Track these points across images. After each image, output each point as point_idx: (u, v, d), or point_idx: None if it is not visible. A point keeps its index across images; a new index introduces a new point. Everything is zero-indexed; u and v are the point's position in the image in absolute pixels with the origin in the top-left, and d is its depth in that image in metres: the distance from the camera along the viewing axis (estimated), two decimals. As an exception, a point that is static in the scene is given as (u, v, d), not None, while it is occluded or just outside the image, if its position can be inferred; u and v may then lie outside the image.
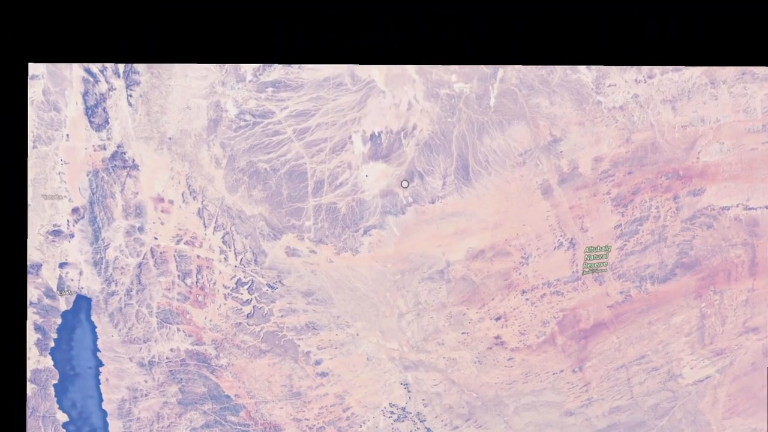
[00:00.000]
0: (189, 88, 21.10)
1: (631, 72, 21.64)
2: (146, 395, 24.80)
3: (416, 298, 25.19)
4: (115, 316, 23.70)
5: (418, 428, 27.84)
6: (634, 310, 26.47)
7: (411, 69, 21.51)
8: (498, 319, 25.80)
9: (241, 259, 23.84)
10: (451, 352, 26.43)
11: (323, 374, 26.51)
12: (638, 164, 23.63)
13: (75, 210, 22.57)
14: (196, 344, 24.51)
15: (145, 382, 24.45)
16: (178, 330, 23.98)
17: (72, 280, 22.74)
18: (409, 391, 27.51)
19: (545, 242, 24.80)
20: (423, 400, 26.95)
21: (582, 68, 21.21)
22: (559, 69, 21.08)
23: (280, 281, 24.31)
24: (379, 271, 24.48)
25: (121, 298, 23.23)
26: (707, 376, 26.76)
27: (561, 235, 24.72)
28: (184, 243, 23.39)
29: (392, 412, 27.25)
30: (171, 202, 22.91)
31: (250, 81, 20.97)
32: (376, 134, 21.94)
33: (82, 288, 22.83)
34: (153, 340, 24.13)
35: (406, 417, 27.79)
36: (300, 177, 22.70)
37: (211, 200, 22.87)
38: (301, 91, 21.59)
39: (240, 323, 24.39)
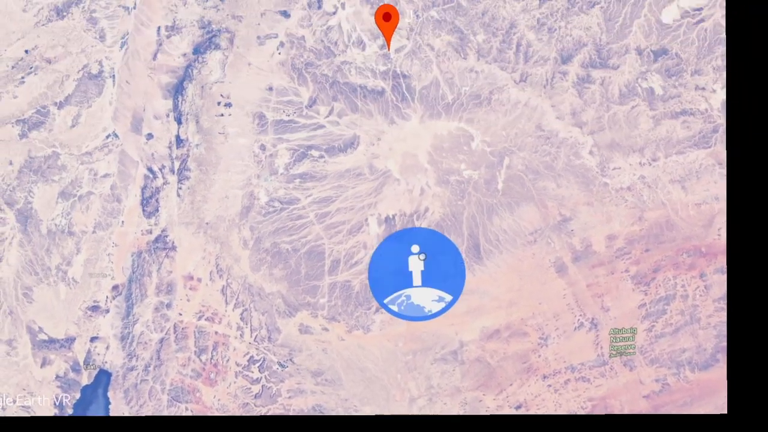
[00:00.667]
0: (229, 180, 23.48)
1: (634, 156, 22.29)
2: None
3: (428, 381, 24.35)
4: (130, 392, 24.29)
5: None
6: (675, 402, 23.92)
7: (423, 159, 23.20)
8: (518, 407, 24.14)
9: (256, 336, 24.37)
10: None
11: None
12: (655, 241, 22.97)
13: (115, 287, 24.54)
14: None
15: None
16: (186, 408, 24.09)
17: (98, 354, 23.86)
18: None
19: (564, 322, 23.79)
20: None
21: (585, 153, 22.16)
22: (563, 155, 22.12)
23: (291, 359, 24.38)
24: (390, 351, 24.15)
25: (138, 374, 23.95)
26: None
27: (581, 315, 23.69)
28: (205, 319, 24.43)
29: None
30: (199, 280, 24.41)
31: (281, 173, 23.18)
32: (390, 217, 22.98)
33: (106, 362, 23.83)
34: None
35: None
36: (318, 257, 23.71)
37: (236, 278, 24.17)
38: (325, 180, 23.55)
39: (247, 403, 24.24)
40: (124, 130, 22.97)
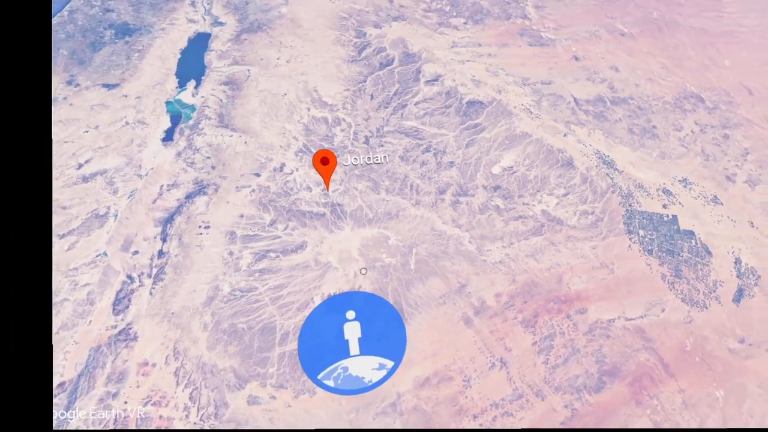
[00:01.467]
0: (198, 278, 28.41)
1: (497, 242, 32.55)
2: None
3: None
4: None
5: None
6: (586, 424, 26.44)
7: (354, 253, 31.04)
8: None
9: (203, 414, 24.36)
10: None
11: None
12: (528, 295, 30.58)
13: (60, 384, 24.30)
14: None
15: None
16: None
17: None
18: None
19: (480, 364, 27.80)
20: None
21: (466, 242, 31.93)
22: (452, 244, 31.62)
23: None
24: (334, 411, 25.35)
25: None
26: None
27: (491, 356, 28.21)
28: (152, 404, 24.42)
29: None
30: (154, 365, 25.51)
31: (243, 270, 29.04)
32: (331, 294, 28.81)
33: None
34: None
35: None
36: (270, 332, 27.27)
37: (191, 359, 25.88)
38: (279, 272, 29.68)
39: None
40: (114, 250, 30.18)
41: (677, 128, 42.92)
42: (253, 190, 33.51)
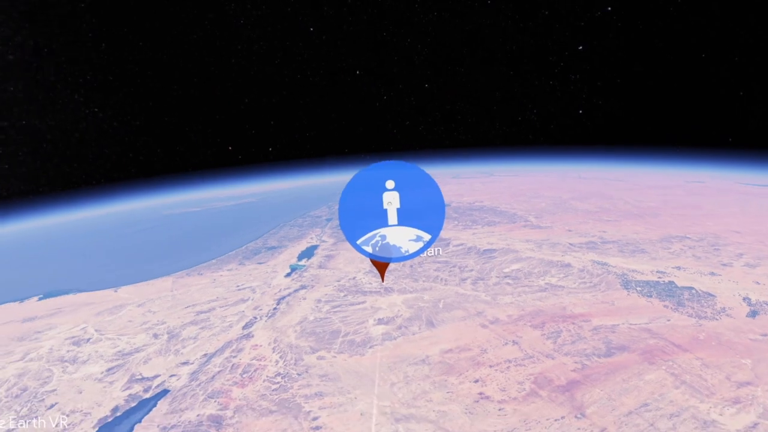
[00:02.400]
0: (295, 316, 40.79)
1: (511, 296, 41.79)
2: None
3: (405, 373, 30.49)
4: (178, 397, 29.65)
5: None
6: (598, 373, 28.27)
7: (399, 302, 41.84)
8: (476, 381, 28.97)
9: (286, 363, 32.11)
10: (440, 406, 27.16)
11: (316, 428, 29.71)
12: (536, 316, 37.04)
13: (204, 354, 34.99)
14: (221, 410, 27.87)
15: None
16: (215, 401, 28.72)
17: (169, 382, 31.06)
18: (401, 444, 24.70)
19: (494, 343, 32.88)
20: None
21: (482, 297, 42.08)
22: (471, 298, 41.91)
23: (306, 371, 31.62)
24: (377, 363, 31.54)
25: (190, 385, 30.52)
26: (755, 423, 27.30)
27: (504, 340, 33.16)
28: (256, 359, 33.14)
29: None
30: (261, 345, 35.26)
31: (324, 311, 41.31)
32: (382, 318, 38.41)
33: (172, 385, 31.03)
34: (189, 409, 28.13)
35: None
36: (336, 334, 36.50)
37: (284, 343, 36.47)
38: (346, 312, 40.93)
39: (264, 394, 29.05)
40: (248, 310, 48.01)
41: (666, 248, 53.37)
42: (335, 286, 49.56)
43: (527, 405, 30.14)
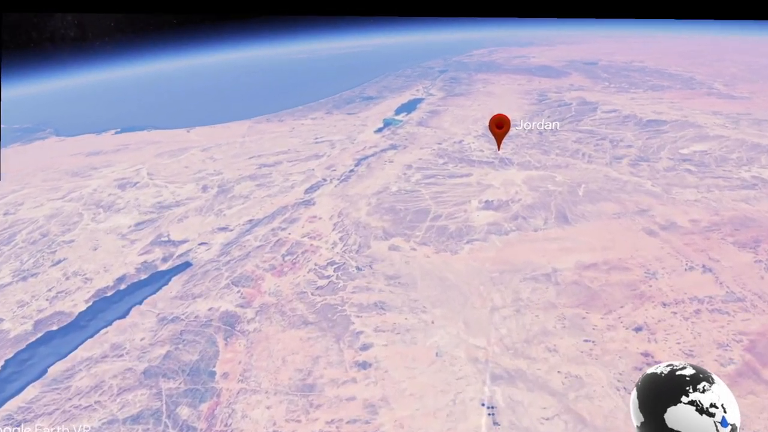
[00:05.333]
0: (375, 183, 32.48)
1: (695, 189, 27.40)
2: (121, 355, 19.33)
3: (516, 294, 20.17)
4: (197, 275, 23.87)
5: None
6: None
7: (518, 180, 30.43)
8: (639, 330, 17.65)
9: (346, 249, 24.56)
10: (572, 366, 16.36)
11: (363, 365, 18.73)
12: (742, 226, 22.78)
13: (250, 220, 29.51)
14: (241, 306, 21.29)
15: (141, 339, 19.97)
16: (237, 292, 22.27)
17: (197, 252, 26.05)
18: (495, 423, 14.46)
19: (669, 264, 20.66)
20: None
21: (648, 186, 28.50)
22: (629, 186, 28.75)
23: (370, 265, 23.13)
24: (475, 268, 22.12)
25: (216, 264, 24.50)
26: None
27: (687, 261, 20.74)
28: (308, 237, 26.23)
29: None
30: (320, 218, 28.20)
31: (413, 182, 32.04)
32: (490, 200, 28.08)
33: (196, 258, 25.52)
34: (203, 297, 22.11)
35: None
36: (424, 214, 27.46)
37: (350, 218, 27.86)
38: (444, 186, 30.93)
39: (304, 292, 21.67)
40: (320, 169, 37.71)
41: None
42: (433, 150, 38.36)
43: (736, 391, 15.85)
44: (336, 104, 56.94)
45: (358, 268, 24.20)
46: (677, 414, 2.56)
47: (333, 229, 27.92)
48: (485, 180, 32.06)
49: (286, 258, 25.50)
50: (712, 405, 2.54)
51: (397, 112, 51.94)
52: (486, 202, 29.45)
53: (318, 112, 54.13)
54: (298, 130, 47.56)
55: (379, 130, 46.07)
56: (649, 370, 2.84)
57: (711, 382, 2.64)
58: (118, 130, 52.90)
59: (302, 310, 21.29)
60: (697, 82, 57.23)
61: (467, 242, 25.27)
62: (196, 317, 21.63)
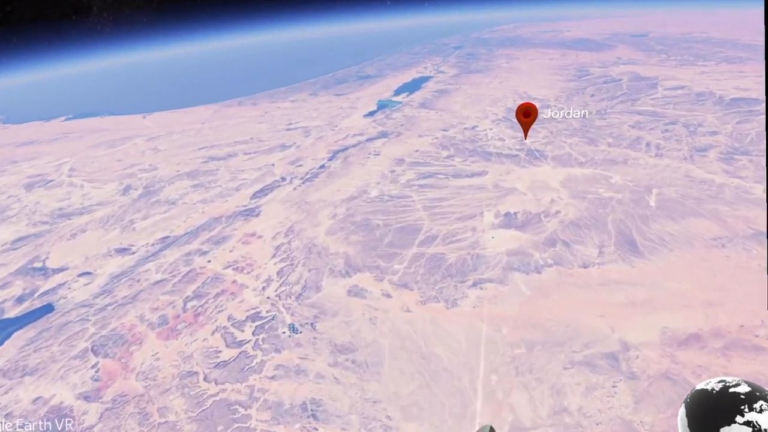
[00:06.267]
0: (349, 184, 23.76)
1: None
2: None
3: (557, 395, 11.03)
4: (52, 329, 15.63)
5: None
6: None
7: (554, 184, 21.26)
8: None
9: (283, 292, 15.89)
10: None
11: None
12: None
13: (164, 238, 21.31)
14: (85, 397, 12.75)
15: None
16: (94, 366, 13.83)
17: (70, 289, 18.18)
18: None
19: None
20: None
21: (753, 191, 18.98)
22: (728, 190, 19.55)
23: (312, 324, 14.27)
24: (484, 336, 12.87)
25: (90, 311, 16.18)
26: None
27: None
28: (233, 269, 17.74)
29: None
30: (260, 236, 19.69)
31: (402, 183, 23.11)
32: (512, 213, 19.01)
33: (65, 298, 17.52)
34: (36, 375, 13.73)
35: None
36: (412, 232, 18.48)
37: (302, 238, 19.23)
38: (444, 189, 22.18)
39: (194, 373, 13.04)
40: (281, 164, 29.24)
41: None
42: (436, 138, 28.99)
43: None
44: (325, 84, 47.72)
45: (292, 329, 15.37)
46: None
47: (273, 256, 19.10)
48: (506, 181, 22.59)
49: (189, 305, 16.84)
50: None
51: (398, 92, 42.41)
52: (506, 215, 20.08)
53: (301, 93, 45.01)
54: (271, 114, 38.68)
55: (371, 113, 36.73)
56: (699, 386, 2.29)
57: None
58: (69, 116, 45.34)
59: (178, 413, 12.63)
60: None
61: (474, 284, 16.12)
62: (5, 416, 13.25)
